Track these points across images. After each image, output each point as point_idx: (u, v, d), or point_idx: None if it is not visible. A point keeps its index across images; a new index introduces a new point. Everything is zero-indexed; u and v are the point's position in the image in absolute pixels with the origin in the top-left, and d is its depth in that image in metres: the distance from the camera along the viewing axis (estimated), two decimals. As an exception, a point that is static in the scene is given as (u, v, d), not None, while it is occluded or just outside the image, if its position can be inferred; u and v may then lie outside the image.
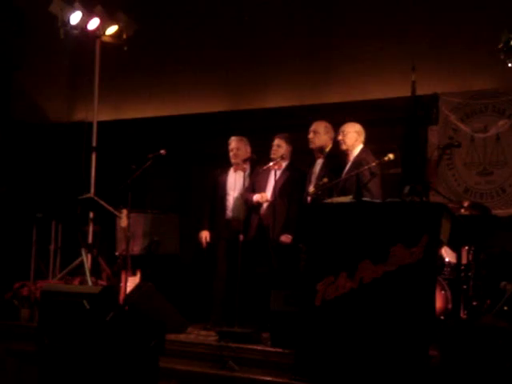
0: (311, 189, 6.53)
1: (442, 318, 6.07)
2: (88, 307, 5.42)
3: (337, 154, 6.75)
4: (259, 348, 6.02)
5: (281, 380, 5.50)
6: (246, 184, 7.08)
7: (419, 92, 7.03)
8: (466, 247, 6.24)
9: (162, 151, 7.19)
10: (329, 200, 6.02)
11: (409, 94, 7.00)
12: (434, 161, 7.28)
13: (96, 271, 7.55)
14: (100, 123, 8.10)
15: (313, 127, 6.89)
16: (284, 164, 7.05)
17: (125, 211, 7.27)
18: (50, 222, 8.11)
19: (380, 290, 5.19)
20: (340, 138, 6.63)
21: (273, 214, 6.80)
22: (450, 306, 6.14)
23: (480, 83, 7.27)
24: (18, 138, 9.41)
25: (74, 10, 7.94)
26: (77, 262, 7.63)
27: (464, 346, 4.99)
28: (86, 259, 7.54)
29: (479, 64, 7.22)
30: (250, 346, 6.03)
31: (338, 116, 7.14)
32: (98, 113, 8.12)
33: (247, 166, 7.25)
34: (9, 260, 8.59)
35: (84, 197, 7.58)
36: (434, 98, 7.40)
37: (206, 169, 7.87)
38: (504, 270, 6.32)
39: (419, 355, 5.03)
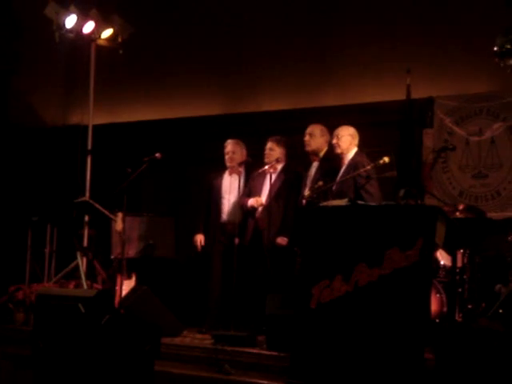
0: (306, 192, 6.54)
1: (437, 320, 6.07)
2: (83, 311, 5.41)
3: (332, 158, 6.76)
4: (255, 351, 6.01)
5: (276, 383, 5.49)
6: (241, 187, 7.08)
7: (414, 95, 7.03)
8: (461, 250, 6.23)
9: (158, 154, 7.20)
10: (324, 203, 6.02)
11: (404, 97, 6.99)
12: (429, 164, 7.30)
13: (91, 275, 7.54)
14: (95, 127, 8.12)
15: (309, 130, 6.90)
16: (279, 166, 7.05)
17: (120, 214, 7.28)
18: (46, 225, 8.12)
19: (375, 293, 5.18)
20: (334, 141, 6.64)
21: (268, 218, 6.80)
22: (445, 308, 6.15)
23: (475, 87, 7.28)
24: (14, 142, 9.40)
25: (69, 13, 7.94)
26: (72, 265, 7.64)
27: (459, 349, 4.99)
28: (82, 263, 7.55)
29: (474, 67, 7.23)
30: (245, 350, 6.03)
31: (333, 119, 7.13)
32: (94, 116, 8.14)
33: (242, 170, 7.23)
34: (4, 263, 8.59)
35: (79, 200, 7.58)
36: (429, 102, 7.42)
37: (202, 172, 7.86)
38: (499, 273, 6.32)
39: (414, 358, 5.02)
